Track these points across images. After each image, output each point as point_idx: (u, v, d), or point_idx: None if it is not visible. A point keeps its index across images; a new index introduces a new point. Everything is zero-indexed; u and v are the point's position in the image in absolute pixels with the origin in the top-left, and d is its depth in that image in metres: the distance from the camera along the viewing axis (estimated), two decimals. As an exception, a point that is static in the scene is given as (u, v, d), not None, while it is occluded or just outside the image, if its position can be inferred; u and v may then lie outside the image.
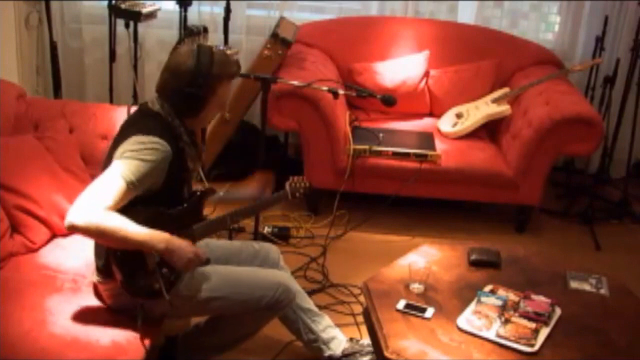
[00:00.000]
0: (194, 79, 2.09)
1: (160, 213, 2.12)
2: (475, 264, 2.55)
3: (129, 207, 2.00)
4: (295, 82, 3.20)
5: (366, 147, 3.66)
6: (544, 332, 2.15)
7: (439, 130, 3.99)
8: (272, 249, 2.56)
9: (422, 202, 3.89)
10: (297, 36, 3.95)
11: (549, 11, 4.57)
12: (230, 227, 2.32)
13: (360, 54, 4.21)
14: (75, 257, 2.40)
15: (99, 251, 2.13)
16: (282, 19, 3.99)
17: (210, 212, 3.46)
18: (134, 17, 3.62)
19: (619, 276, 2.60)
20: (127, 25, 3.77)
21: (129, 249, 2.00)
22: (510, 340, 2.09)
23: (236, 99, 3.84)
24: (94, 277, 2.20)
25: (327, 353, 2.54)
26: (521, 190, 3.72)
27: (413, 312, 2.23)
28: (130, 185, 1.97)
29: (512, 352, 2.07)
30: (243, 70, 4.14)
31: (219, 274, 2.27)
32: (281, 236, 3.52)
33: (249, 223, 3.50)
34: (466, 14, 4.44)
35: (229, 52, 3.44)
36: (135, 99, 3.95)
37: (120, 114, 2.90)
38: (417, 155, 3.66)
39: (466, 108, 4.03)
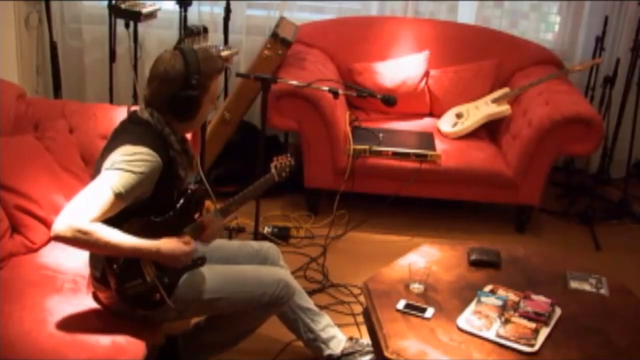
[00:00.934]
0: (186, 81, 2.07)
1: (152, 221, 2.11)
2: (475, 264, 2.55)
3: (121, 220, 1.99)
4: (295, 82, 3.20)
5: (366, 147, 3.66)
6: (544, 332, 2.15)
7: (439, 130, 3.99)
8: (271, 248, 2.56)
9: (422, 202, 3.89)
10: (297, 36, 3.95)
11: (549, 11, 4.57)
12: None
13: (360, 54, 4.21)
14: (75, 257, 2.39)
15: (94, 262, 2.11)
16: (282, 19, 3.99)
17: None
18: (134, 17, 3.62)
19: (619, 276, 2.60)
20: (127, 25, 3.77)
21: (121, 256, 1.99)
22: (510, 340, 2.09)
23: (236, 99, 3.85)
24: (91, 287, 2.20)
25: (327, 352, 2.54)
26: (521, 190, 3.72)
27: (413, 312, 2.23)
28: (119, 197, 1.95)
29: (512, 352, 2.07)
30: (243, 70, 4.16)
31: (220, 274, 2.27)
32: (281, 236, 3.52)
33: (249, 223, 3.50)
34: (466, 14, 4.44)
35: (227, 52, 3.46)
36: (135, 99, 3.95)
37: (120, 114, 2.90)
38: (417, 155, 3.66)
39: (466, 108, 4.03)
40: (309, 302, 2.56)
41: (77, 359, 1.94)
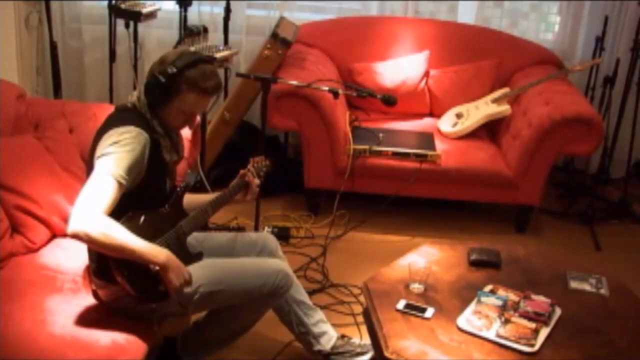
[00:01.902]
0: (165, 69, 2.11)
1: (154, 215, 2.13)
2: (475, 264, 2.55)
3: (120, 214, 2.00)
4: (295, 82, 3.20)
5: (366, 147, 3.66)
6: (544, 332, 2.15)
7: (439, 130, 3.99)
8: (269, 239, 2.57)
9: (422, 202, 3.89)
10: (297, 36, 3.95)
11: (549, 11, 4.57)
12: (212, 215, 2.36)
13: (360, 54, 4.21)
14: (75, 257, 2.40)
15: (91, 254, 2.13)
16: (282, 19, 3.99)
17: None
18: (134, 17, 3.62)
19: (619, 276, 2.60)
20: (127, 25, 3.78)
21: (128, 258, 1.99)
22: (510, 340, 2.09)
23: (236, 99, 3.85)
24: (91, 284, 2.20)
25: (316, 347, 2.55)
26: (521, 190, 3.72)
27: (413, 312, 2.23)
28: (121, 180, 1.98)
29: (512, 352, 2.06)
30: (243, 70, 4.16)
31: (220, 266, 2.28)
32: (281, 236, 3.52)
33: (249, 223, 3.51)
34: (466, 14, 4.44)
35: (227, 52, 3.46)
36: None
37: (120, 114, 2.90)
38: (417, 155, 3.66)
39: (466, 108, 4.03)
40: (304, 296, 2.58)
41: (77, 359, 1.94)
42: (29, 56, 4.14)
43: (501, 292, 2.34)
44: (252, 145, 3.93)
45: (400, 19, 4.35)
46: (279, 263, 2.42)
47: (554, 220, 4.00)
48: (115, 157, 2.00)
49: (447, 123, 4.00)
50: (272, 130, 4.05)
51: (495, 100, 3.97)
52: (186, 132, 2.82)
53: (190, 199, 2.38)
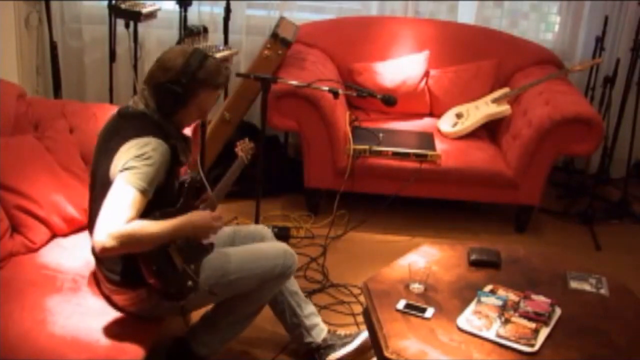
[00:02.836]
0: (177, 77, 2.11)
1: (167, 213, 2.14)
2: (475, 264, 2.55)
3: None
4: (295, 82, 3.20)
5: (366, 147, 3.66)
6: (544, 332, 2.15)
7: (439, 130, 3.99)
8: (264, 229, 2.64)
9: (422, 202, 3.89)
10: (297, 36, 3.95)
11: (549, 11, 4.57)
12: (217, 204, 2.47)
13: (360, 54, 4.21)
14: (75, 257, 2.40)
15: (111, 266, 2.14)
16: (282, 19, 3.99)
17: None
18: (134, 17, 3.62)
19: (619, 276, 2.60)
20: (127, 25, 3.77)
21: (164, 243, 2.02)
22: (510, 340, 2.09)
23: (236, 99, 3.84)
24: (104, 288, 2.22)
25: (308, 339, 2.59)
26: (521, 190, 3.72)
27: (413, 312, 2.23)
28: (144, 193, 1.98)
29: (512, 352, 2.06)
30: (243, 70, 4.16)
31: (234, 255, 2.34)
32: (281, 236, 3.52)
33: (249, 223, 3.51)
34: (466, 14, 4.44)
35: (227, 52, 3.46)
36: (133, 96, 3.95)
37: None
38: (417, 155, 3.66)
39: (466, 108, 4.03)
40: (297, 287, 2.62)
41: (77, 359, 1.94)
42: (29, 56, 4.14)
43: (501, 292, 2.34)
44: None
45: (400, 19, 4.35)
46: (281, 244, 2.51)
47: (554, 220, 4.00)
48: (139, 169, 1.99)
49: (447, 123, 4.00)
50: (272, 130, 4.05)
51: (495, 100, 3.98)
52: (186, 132, 2.82)
53: None
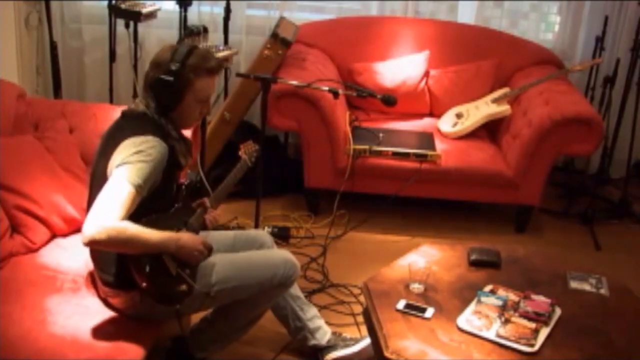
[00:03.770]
0: (168, 67, 2.11)
1: (164, 215, 2.15)
2: (475, 264, 2.55)
3: (132, 219, 2.00)
4: (295, 82, 3.20)
5: (366, 147, 3.66)
6: (544, 332, 2.15)
7: (439, 130, 3.99)
8: (265, 235, 2.61)
9: (422, 202, 3.89)
10: (297, 36, 3.95)
11: (549, 11, 4.57)
12: (215, 208, 2.49)
13: (360, 54, 4.21)
14: (75, 257, 2.40)
15: (104, 267, 2.14)
16: (282, 19, 3.99)
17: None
18: (134, 17, 3.62)
19: (619, 276, 2.60)
20: (127, 25, 3.77)
21: (148, 251, 2.00)
22: (510, 340, 2.09)
23: (236, 99, 3.85)
24: (100, 291, 2.21)
25: (312, 342, 2.59)
26: (521, 190, 3.72)
27: (413, 312, 2.23)
28: (139, 189, 1.98)
29: (512, 352, 2.06)
30: (243, 70, 4.16)
31: (232, 261, 2.32)
32: (281, 236, 3.52)
33: (249, 223, 3.51)
34: (466, 14, 4.44)
35: (227, 52, 3.46)
36: (135, 99, 3.95)
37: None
38: (417, 155, 3.66)
39: (466, 108, 4.03)
40: (299, 291, 2.61)
41: (77, 359, 1.94)
42: (29, 56, 4.14)
43: (501, 292, 2.34)
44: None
45: (400, 19, 4.35)
46: (285, 253, 2.46)
47: (554, 220, 4.00)
48: (136, 165, 1.99)
49: (447, 123, 4.00)
50: (272, 130, 4.05)
51: (495, 100, 3.98)
52: (186, 132, 2.82)
53: None
